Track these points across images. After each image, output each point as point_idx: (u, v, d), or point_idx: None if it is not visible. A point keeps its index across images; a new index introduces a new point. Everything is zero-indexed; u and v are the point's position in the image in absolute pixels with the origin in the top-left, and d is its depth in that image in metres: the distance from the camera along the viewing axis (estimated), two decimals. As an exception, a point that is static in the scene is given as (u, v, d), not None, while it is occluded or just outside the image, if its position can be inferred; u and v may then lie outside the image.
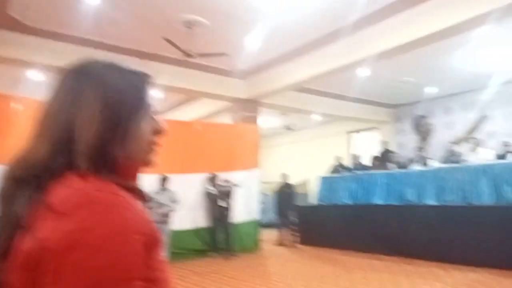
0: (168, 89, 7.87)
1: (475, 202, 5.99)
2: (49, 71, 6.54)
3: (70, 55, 6.77)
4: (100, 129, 0.58)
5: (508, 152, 7.09)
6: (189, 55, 6.31)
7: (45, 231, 0.50)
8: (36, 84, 7.14)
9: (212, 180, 7.15)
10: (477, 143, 7.41)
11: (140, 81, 0.67)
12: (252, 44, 6.72)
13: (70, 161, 0.56)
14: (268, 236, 8.65)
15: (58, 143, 0.58)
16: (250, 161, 7.81)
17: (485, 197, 5.90)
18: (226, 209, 7.12)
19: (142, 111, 0.64)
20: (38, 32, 6.04)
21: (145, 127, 0.64)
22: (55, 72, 0.69)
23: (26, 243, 0.51)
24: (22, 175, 0.57)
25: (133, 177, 0.65)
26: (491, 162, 6.35)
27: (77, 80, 0.62)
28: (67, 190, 0.54)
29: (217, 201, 7.06)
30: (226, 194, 7.15)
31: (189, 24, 5.96)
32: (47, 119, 0.61)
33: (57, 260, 0.48)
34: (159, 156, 0.70)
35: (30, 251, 0.50)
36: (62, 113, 0.60)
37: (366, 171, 8.35)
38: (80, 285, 0.48)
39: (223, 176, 7.21)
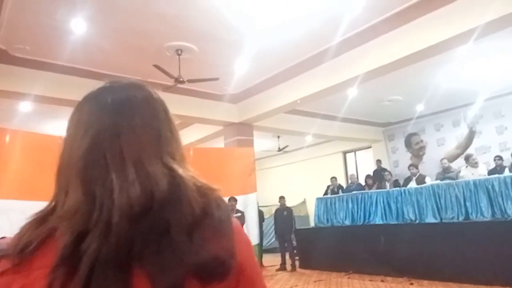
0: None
1: (475, 218, 5.92)
2: (40, 101, 6.45)
3: (59, 85, 6.74)
4: None
5: (501, 166, 7.10)
6: (179, 81, 6.29)
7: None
8: (27, 116, 7.05)
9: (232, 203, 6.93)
10: (471, 159, 7.40)
11: None
12: (241, 68, 6.75)
13: None
14: (269, 260, 8.42)
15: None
16: (247, 185, 7.68)
17: (484, 213, 5.84)
18: None
19: None
20: (27, 62, 5.99)
21: None
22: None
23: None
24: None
25: None
26: (487, 177, 6.33)
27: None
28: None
29: None
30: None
31: (178, 51, 5.98)
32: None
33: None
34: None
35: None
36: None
37: (363, 191, 8.28)
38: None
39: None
